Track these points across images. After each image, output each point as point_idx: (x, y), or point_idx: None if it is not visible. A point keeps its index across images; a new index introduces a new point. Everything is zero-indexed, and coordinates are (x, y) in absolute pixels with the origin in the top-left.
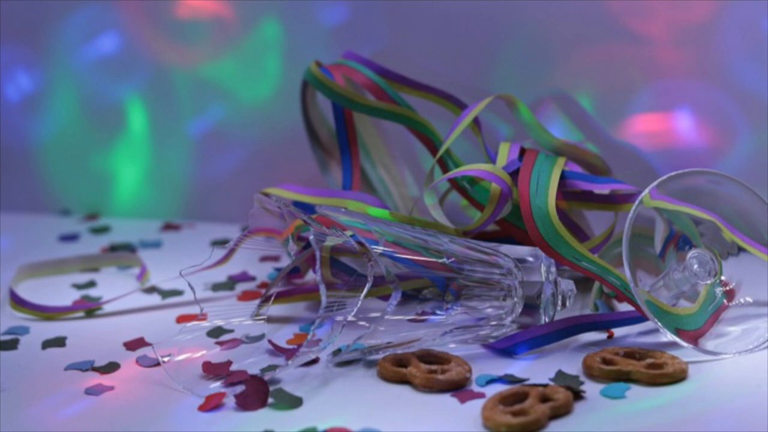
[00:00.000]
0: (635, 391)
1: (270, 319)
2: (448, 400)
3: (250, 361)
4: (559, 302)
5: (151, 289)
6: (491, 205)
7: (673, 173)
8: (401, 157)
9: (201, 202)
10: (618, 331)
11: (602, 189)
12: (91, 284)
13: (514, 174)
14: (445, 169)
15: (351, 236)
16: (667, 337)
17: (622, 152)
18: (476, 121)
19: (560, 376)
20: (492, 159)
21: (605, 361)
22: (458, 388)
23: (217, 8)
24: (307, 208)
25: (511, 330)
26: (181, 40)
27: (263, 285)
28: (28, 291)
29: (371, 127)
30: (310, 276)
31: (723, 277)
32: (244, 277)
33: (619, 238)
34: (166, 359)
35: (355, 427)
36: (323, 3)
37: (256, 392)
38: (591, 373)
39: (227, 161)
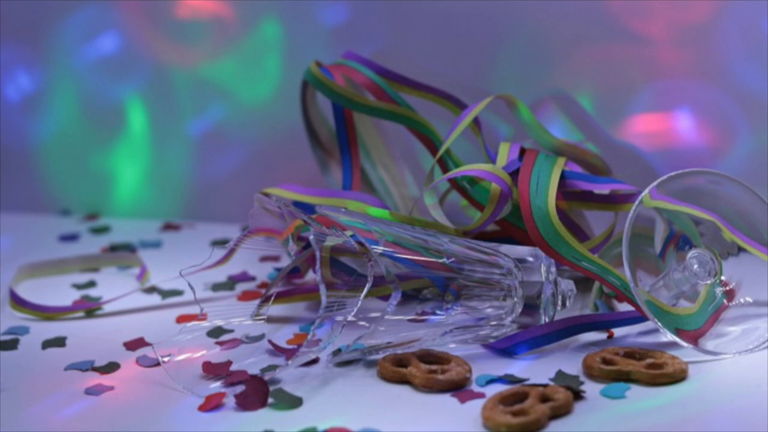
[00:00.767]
0: (635, 391)
1: (270, 319)
2: (448, 400)
3: (250, 361)
4: (559, 302)
5: (151, 289)
6: (491, 205)
7: (673, 173)
8: (401, 157)
9: (201, 202)
10: (618, 331)
11: (602, 189)
12: (91, 284)
13: (514, 174)
14: (445, 169)
15: (351, 236)
16: (667, 337)
17: (622, 152)
18: (476, 121)
19: (560, 376)
20: (492, 159)
21: (605, 361)
22: (458, 388)
23: (217, 8)
24: (307, 208)
25: (511, 330)
26: (181, 40)
27: (263, 285)
28: (28, 291)
29: (371, 127)
30: (310, 276)
31: (723, 277)
32: (244, 277)
33: (619, 238)
34: (166, 359)
35: (355, 427)
36: (323, 3)
37: (256, 392)
38: (591, 373)
39: (227, 161)
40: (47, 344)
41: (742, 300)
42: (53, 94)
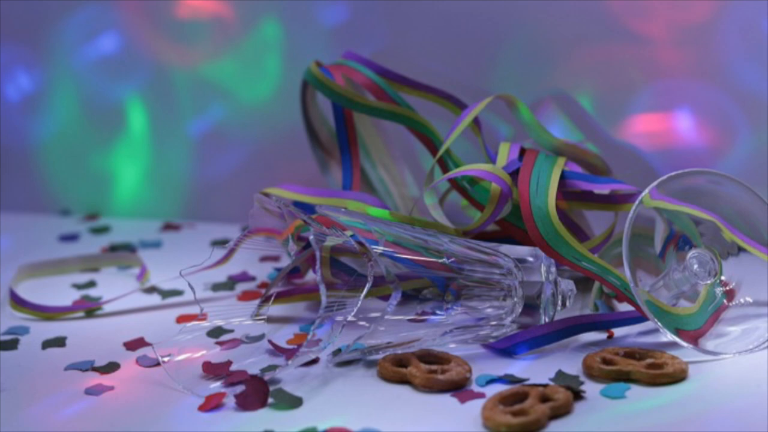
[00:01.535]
0: (635, 391)
1: (270, 319)
2: (448, 400)
3: (250, 361)
4: (559, 302)
5: (151, 289)
6: (491, 205)
7: (673, 173)
8: (401, 157)
9: (201, 202)
10: (618, 331)
11: (602, 189)
12: (91, 284)
13: (514, 174)
14: (445, 169)
15: (351, 236)
16: (667, 337)
17: (622, 152)
18: (476, 121)
19: (560, 376)
20: (492, 159)
21: (605, 361)
22: (458, 388)
23: (217, 8)
24: (307, 208)
25: (511, 330)
26: (181, 40)
27: (263, 285)
28: (28, 291)
29: (371, 127)
30: (310, 276)
31: (723, 277)
32: (244, 277)
33: (619, 238)
34: (166, 359)
35: (355, 427)
36: (323, 3)
37: (256, 392)
38: (591, 373)
39: (227, 161)
40: (47, 344)
41: (742, 300)
42: (53, 94)
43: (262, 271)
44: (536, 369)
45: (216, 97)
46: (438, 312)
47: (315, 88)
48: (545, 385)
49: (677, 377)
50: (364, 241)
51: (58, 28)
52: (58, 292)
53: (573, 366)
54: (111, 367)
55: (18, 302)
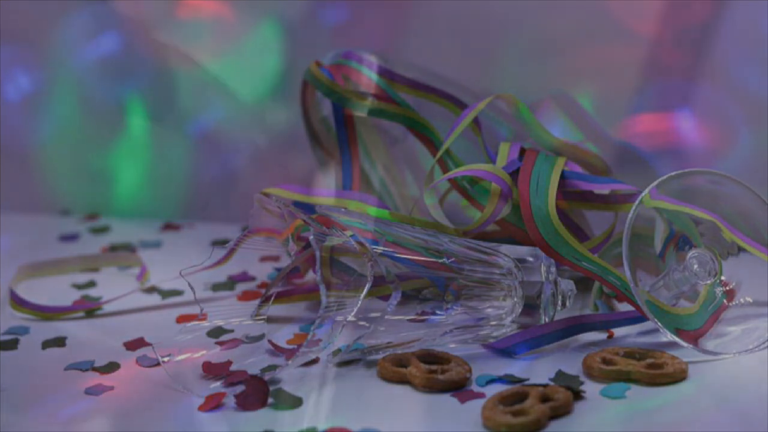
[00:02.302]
0: (635, 391)
1: (270, 319)
2: (448, 400)
3: (250, 361)
4: (559, 302)
5: (151, 289)
6: (491, 205)
7: (673, 173)
8: (401, 157)
9: (201, 202)
10: (618, 331)
11: (602, 189)
12: (91, 284)
13: (514, 174)
14: (445, 169)
15: (351, 236)
16: (667, 337)
17: (622, 152)
18: (476, 121)
19: (560, 376)
20: (492, 159)
21: (605, 361)
22: (458, 388)
23: (217, 8)
24: (307, 208)
25: (511, 330)
26: (181, 40)
27: (263, 285)
28: (28, 291)
29: (371, 127)
30: (310, 276)
31: (723, 277)
32: (244, 277)
33: (619, 238)
34: (166, 359)
35: (355, 427)
36: (323, 3)
37: (256, 392)
38: (591, 373)
39: (227, 161)
40: (47, 344)
41: (742, 300)
42: (53, 94)
43: (262, 271)
44: (536, 369)
45: (216, 97)
46: (438, 312)
47: (315, 88)
48: (545, 385)
49: (677, 377)
50: (364, 241)
51: (58, 28)
52: (58, 292)
53: (573, 366)
54: (111, 367)
55: (18, 302)
